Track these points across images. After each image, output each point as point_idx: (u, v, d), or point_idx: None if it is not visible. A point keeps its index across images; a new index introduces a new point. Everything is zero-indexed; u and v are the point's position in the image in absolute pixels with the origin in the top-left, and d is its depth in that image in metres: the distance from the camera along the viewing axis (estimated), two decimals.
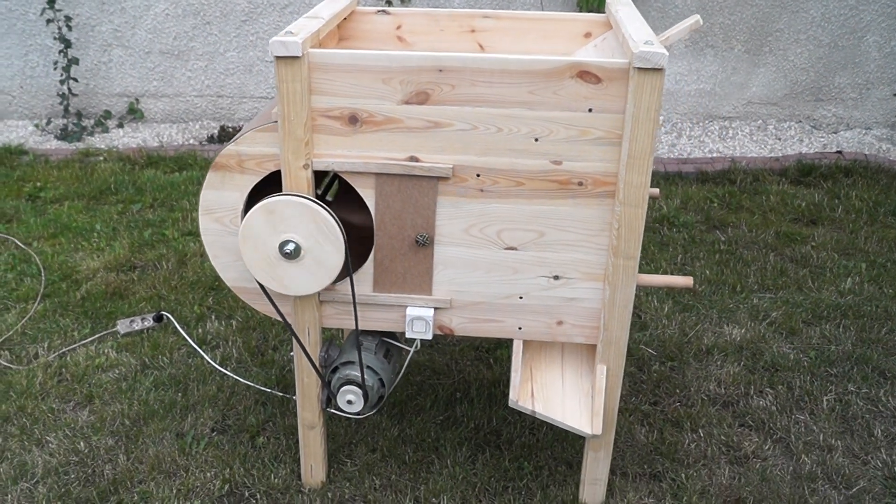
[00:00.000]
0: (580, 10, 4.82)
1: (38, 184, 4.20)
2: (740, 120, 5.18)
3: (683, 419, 2.55)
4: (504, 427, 2.51)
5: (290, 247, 1.90)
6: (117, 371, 2.76)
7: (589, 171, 1.86)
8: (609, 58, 2.06)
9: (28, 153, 4.64)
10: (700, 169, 4.49)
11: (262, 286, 1.99)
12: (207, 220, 2.03)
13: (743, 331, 3.00)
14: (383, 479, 2.31)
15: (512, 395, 2.02)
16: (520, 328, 2.05)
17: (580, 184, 1.88)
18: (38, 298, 3.19)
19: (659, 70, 1.71)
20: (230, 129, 5.05)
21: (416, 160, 1.89)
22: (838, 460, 2.39)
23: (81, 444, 2.42)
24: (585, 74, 1.77)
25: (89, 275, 3.36)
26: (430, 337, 2.05)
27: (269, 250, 1.92)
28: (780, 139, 5.02)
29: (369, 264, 2.01)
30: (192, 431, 2.48)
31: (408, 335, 2.05)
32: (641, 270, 3.43)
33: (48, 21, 4.84)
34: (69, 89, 4.95)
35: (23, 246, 3.58)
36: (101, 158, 4.59)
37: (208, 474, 2.31)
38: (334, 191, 2.40)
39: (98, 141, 4.93)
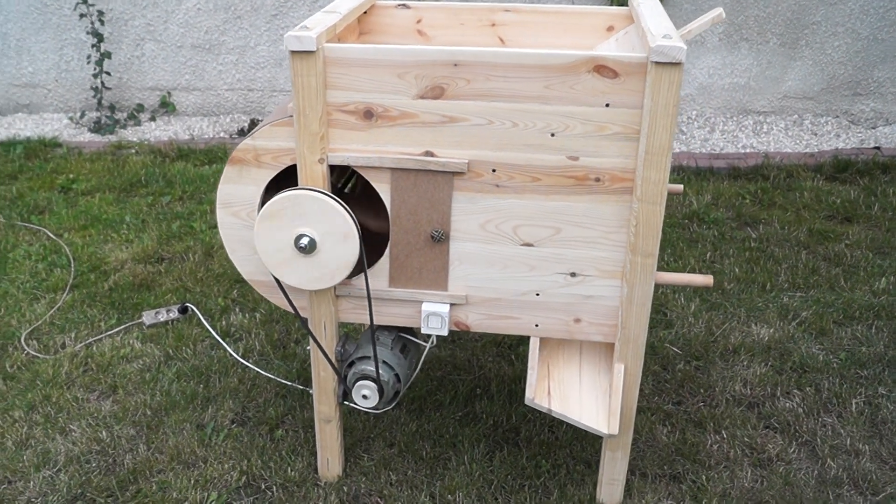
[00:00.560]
0: (611, 4, 4.76)
1: (71, 176, 4.27)
2: (775, 114, 5.08)
3: (707, 420, 2.51)
4: (523, 424, 2.49)
5: (305, 241, 1.90)
6: (141, 362, 2.79)
7: (606, 166, 1.83)
8: (629, 52, 2.02)
9: (62, 146, 4.71)
10: (732, 164, 4.41)
11: (276, 280, 2.00)
12: (224, 213, 2.03)
13: (771, 330, 2.94)
14: (399, 475, 2.30)
15: (528, 393, 2.00)
16: (536, 325, 2.03)
17: (597, 180, 1.85)
18: (67, 289, 3.24)
19: (677, 64, 1.67)
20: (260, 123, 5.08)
21: (432, 155, 1.88)
22: (865, 465, 2.33)
23: (104, 433, 2.45)
24: (602, 69, 1.74)
25: (117, 266, 3.40)
26: (445, 333, 2.04)
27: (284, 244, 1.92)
28: (815, 134, 4.91)
29: (385, 259, 2.00)
30: (213, 423, 2.49)
31: (423, 331, 2.04)
32: (669, 267, 3.38)
33: (81, 16, 4.90)
34: (102, 83, 5.02)
35: (54, 237, 3.63)
36: (133, 151, 4.65)
37: (226, 465, 2.33)
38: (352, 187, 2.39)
39: (130, 134, 4.99)
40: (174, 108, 5.20)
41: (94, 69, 4.98)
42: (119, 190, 4.14)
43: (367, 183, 2.06)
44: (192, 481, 2.28)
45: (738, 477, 2.29)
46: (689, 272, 3.35)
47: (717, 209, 3.92)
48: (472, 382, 2.69)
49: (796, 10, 4.84)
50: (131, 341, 2.90)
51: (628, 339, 1.97)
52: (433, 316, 2.01)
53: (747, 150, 4.72)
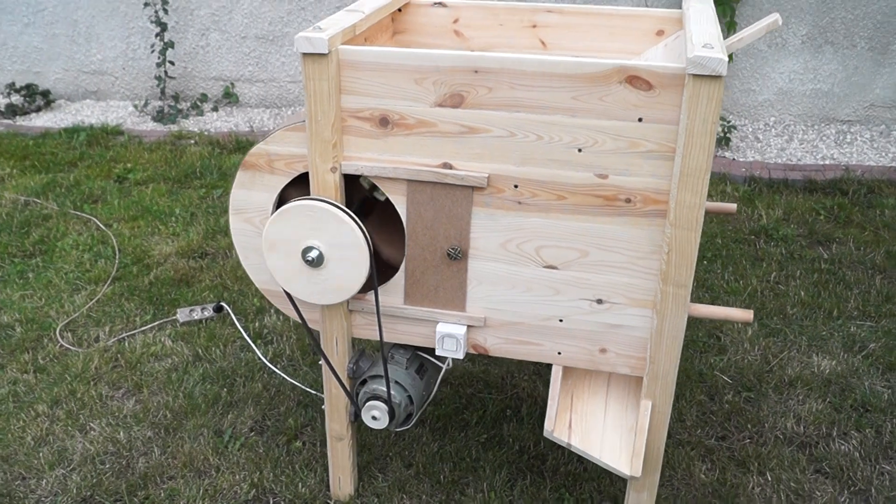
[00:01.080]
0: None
1: (129, 165, 4.29)
2: (860, 124, 4.75)
3: (751, 459, 2.31)
4: (550, 452, 2.34)
5: (314, 254, 1.80)
6: (170, 361, 2.75)
7: (638, 186, 1.67)
8: (673, 61, 1.85)
9: (123, 133, 4.75)
10: (809, 177, 4.12)
11: (286, 292, 1.90)
12: (237, 220, 1.95)
13: (834, 362, 2.71)
14: (414, 499, 2.19)
15: (547, 425, 1.86)
16: (559, 353, 1.88)
17: (628, 200, 1.69)
18: (108, 281, 3.23)
19: (717, 77, 1.50)
20: None
21: (450, 167, 1.75)
22: None
23: (121, 433, 2.42)
24: (635, 80, 1.58)
25: (161, 260, 3.38)
26: (461, 356, 1.91)
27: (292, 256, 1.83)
28: None
29: (400, 275, 1.89)
30: (231, 430, 2.43)
31: (437, 353, 1.92)
32: (728, 287, 3.17)
33: (145, 4, 4.93)
34: (165, 72, 5.05)
35: (103, 227, 3.65)
36: (192, 142, 4.65)
37: (237, 476, 2.26)
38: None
39: (192, 124, 5.01)
40: (237, 99, 5.20)
41: (158, 58, 5.01)
42: (173, 181, 4.14)
43: None
44: (202, 491, 2.21)
45: None
46: (749, 293, 3.13)
47: (788, 225, 3.67)
48: (503, 402, 2.55)
49: (887, 13, 4.50)
50: (163, 339, 2.86)
51: (657, 375, 1.80)
52: (448, 338, 1.89)
53: (827, 162, 4.42)
